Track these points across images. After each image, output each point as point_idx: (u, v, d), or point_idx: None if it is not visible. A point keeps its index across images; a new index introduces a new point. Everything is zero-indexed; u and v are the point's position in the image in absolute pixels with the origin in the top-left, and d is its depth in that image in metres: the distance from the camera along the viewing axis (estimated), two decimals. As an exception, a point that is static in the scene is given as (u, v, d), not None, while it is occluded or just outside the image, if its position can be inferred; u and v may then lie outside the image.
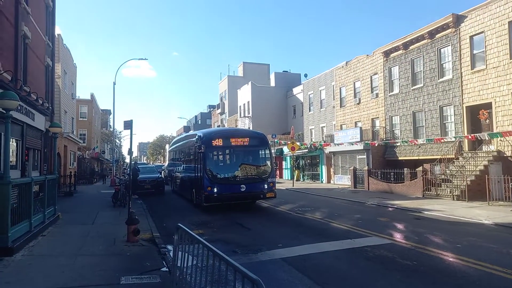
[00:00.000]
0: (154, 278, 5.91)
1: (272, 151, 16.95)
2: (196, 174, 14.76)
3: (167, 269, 6.38)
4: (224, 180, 13.73)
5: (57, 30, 26.32)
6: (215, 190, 13.28)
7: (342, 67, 29.67)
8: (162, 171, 33.96)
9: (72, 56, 31.40)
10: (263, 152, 15.04)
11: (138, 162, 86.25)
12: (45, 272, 6.17)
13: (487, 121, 17.97)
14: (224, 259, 3.35)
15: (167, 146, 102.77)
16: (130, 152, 14.02)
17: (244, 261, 6.91)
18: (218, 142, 14.16)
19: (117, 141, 62.03)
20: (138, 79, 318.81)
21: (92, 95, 47.53)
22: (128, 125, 11.28)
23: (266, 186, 14.09)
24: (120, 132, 64.20)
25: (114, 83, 32.76)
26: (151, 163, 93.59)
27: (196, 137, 15.40)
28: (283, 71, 50.03)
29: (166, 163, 65.10)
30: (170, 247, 7.80)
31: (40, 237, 8.90)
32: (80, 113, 42.99)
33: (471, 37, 18.58)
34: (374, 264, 6.86)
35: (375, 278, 6.10)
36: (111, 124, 53.58)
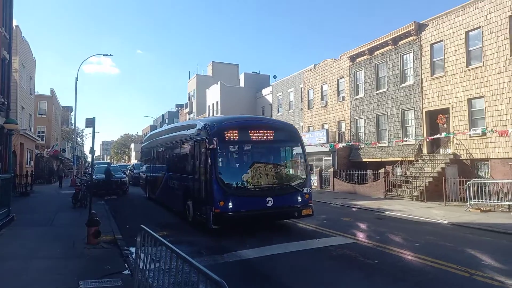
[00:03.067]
0: (115, 282, 5.71)
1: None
2: (196, 181, 10.47)
3: (129, 272, 6.18)
4: (244, 191, 9.42)
5: (15, 22, 24.95)
6: (230, 205, 9.00)
7: (310, 70, 30.18)
8: (129, 171, 32.97)
9: (32, 49, 29.85)
10: (294, 150, 11.10)
11: (101, 161, 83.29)
12: (-5, 277, 5.79)
13: (445, 125, 18.89)
14: (188, 261, 3.28)
15: (132, 145, 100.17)
16: (92, 151, 13.42)
17: (210, 263, 6.84)
18: (233, 134, 9.77)
19: (79, 139, 59.67)
20: (100, 76, 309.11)
21: (52, 91, 45.38)
22: (91, 123, 10.84)
23: (300, 199, 9.96)
24: (82, 130, 61.83)
25: (77, 79, 31.53)
26: (115, 162, 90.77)
27: (199, 127, 10.74)
28: (253, 72, 50.16)
29: (133, 162, 63.29)
30: (132, 250, 7.57)
31: (-9, 240, 8.36)
32: (39, 109, 40.90)
33: (431, 45, 19.48)
34: (338, 263, 7.00)
35: (339, 277, 6.23)
36: (73, 121, 51.45)
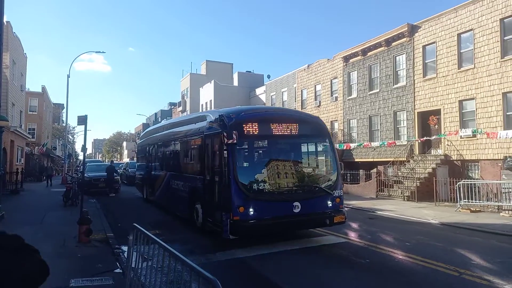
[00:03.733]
0: (107, 280, 5.68)
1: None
2: (208, 182, 9.07)
3: (120, 271, 6.15)
4: (267, 195, 8.01)
5: (6, 18, 24.60)
6: (252, 212, 7.63)
7: (304, 70, 30.25)
8: (123, 170, 32.09)
9: (23, 45, 29.47)
10: (322, 147, 9.60)
11: (93, 159, 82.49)
12: (-16, 275, 5.73)
13: (436, 126, 19.09)
14: (181, 259, 3.28)
15: (124, 144, 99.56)
16: (84, 148, 13.32)
17: (202, 261, 6.83)
18: (253, 128, 8.33)
19: (70, 137, 59.09)
20: (92, 74, 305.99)
21: (43, 88, 44.89)
22: (82, 120, 10.74)
23: (330, 204, 8.54)
24: (74, 127, 61.21)
25: (68, 76, 31.22)
26: (106, 160, 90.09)
27: (211, 119, 9.18)
28: (247, 71, 50.13)
29: (125, 161, 62.63)
30: (124, 248, 7.53)
31: (-20, 238, 8.25)
32: (30, 106, 40.40)
33: (423, 47, 19.65)
34: (330, 262, 7.05)
35: (331, 275, 6.27)
36: (64, 119, 50.94)
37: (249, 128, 8.29)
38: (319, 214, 8.38)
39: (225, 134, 7.86)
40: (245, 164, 8.47)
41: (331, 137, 9.45)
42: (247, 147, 8.75)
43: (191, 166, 10.84)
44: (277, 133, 8.62)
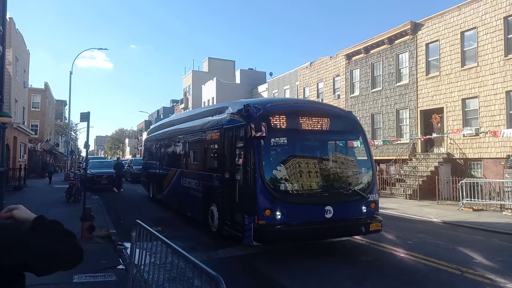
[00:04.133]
0: (110, 276, 5.72)
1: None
2: (226, 181, 8.16)
3: (123, 267, 6.19)
4: (296, 197, 7.21)
5: (9, 14, 24.62)
6: (279, 216, 6.74)
7: (307, 67, 30.19)
8: (127, 167, 32.05)
9: (26, 42, 29.53)
10: (355, 144, 8.78)
11: (96, 156, 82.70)
12: (-12, 271, 5.77)
13: (439, 124, 19.04)
14: (184, 255, 3.29)
15: (127, 140, 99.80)
16: (86, 145, 13.33)
17: (204, 258, 6.86)
18: (281, 121, 7.48)
19: (73, 133, 59.27)
20: (94, 71, 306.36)
21: (46, 84, 44.98)
22: (85, 117, 10.76)
23: (365, 209, 7.58)
24: (76, 124, 61.40)
25: (71, 73, 31.22)
26: (109, 157, 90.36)
27: (234, 110, 8.33)
28: (249, 68, 50.08)
29: (127, 157, 62.58)
30: (127, 244, 7.56)
31: (-16, 233, 8.31)
32: (33, 102, 40.53)
33: (427, 45, 19.57)
34: (331, 259, 7.06)
35: (332, 272, 6.28)
36: (67, 115, 51.07)
37: (276, 121, 7.38)
38: (353, 221, 7.46)
39: (252, 126, 6.85)
40: (271, 161, 7.49)
41: (364, 135, 8.58)
42: (274, 142, 7.77)
43: (206, 162, 9.95)
44: (307, 127, 7.72)
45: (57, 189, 19.97)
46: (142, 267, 4.39)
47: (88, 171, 15.51)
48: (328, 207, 7.07)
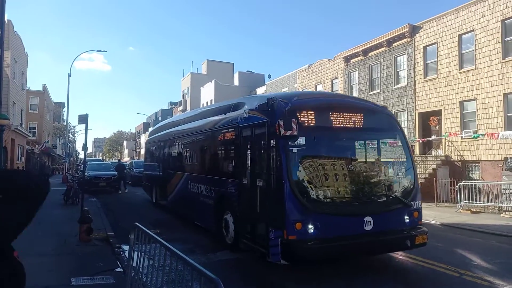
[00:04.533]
0: (107, 279, 5.69)
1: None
2: (245, 187, 7.20)
3: (121, 270, 6.16)
4: (330, 207, 6.17)
5: (7, 16, 24.60)
6: (312, 230, 5.76)
7: (305, 69, 30.25)
8: (127, 170, 31.99)
9: (24, 44, 29.50)
10: (393, 144, 7.81)
11: (94, 158, 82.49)
12: (-14, 274, 5.74)
13: (437, 127, 19.09)
14: (182, 258, 3.29)
15: (125, 143, 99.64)
16: (85, 147, 13.34)
17: (203, 261, 6.84)
18: (309, 117, 6.42)
19: (71, 135, 59.15)
20: (92, 73, 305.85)
21: (44, 86, 44.93)
22: (84, 119, 10.76)
23: (408, 219, 6.67)
24: (74, 126, 61.26)
25: (69, 75, 31.30)
26: (107, 160, 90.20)
27: (252, 106, 7.32)
28: (247, 70, 50.20)
29: (126, 159, 62.42)
30: (125, 247, 7.54)
31: (-19, 236, 8.27)
32: (31, 105, 40.46)
33: (425, 47, 19.64)
34: (331, 262, 7.04)
35: (330, 274, 6.27)
36: (65, 118, 50.99)
37: (306, 117, 6.31)
38: (396, 233, 6.45)
39: (281, 123, 5.83)
40: (301, 165, 6.30)
41: (402, 133, 7.61)
42: (303, 142, 6.40)
43: (218, 166, 8.89)
44: (341, 125, 6.67)
45: (54, 192, 19.88)
46: (140, 270, 4.38)
47: (86, 174, 15.45)
48: (368, 218, 6.12)
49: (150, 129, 21.87)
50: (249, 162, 7.21)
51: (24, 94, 31.79)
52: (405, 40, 20.60)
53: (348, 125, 6.74)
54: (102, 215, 11.93)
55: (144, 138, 75.62)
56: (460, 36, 17.75)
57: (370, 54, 23.16)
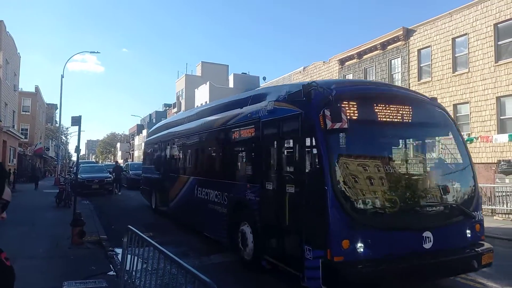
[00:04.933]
0: (100, 283, 5.61)
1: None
2: (269, 193, 6.12)
3: (114, 273, 6.09)
4: (384, 219, 4.96)
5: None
6: (361, 249, 4.57)
7: (300, 72, 30.31)
8: (123, 172, 31.59)
9: (16, 45, 29.24)
10: (448, 142, 6.26)
11: (87, 160, 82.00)
12: (-25, 278, 5.63)
13: (431, 130, 19.19)
14: (175, 261, 3.24)
15: (118, 145, 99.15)
16: (77, 149, 13.19)
17: (196, 264, 6.78)
18: (351, 109, 5.16)
19: (63, 137, 58.70)
20: (85, 74, 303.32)
21: (36, 88, 44.58)
22: (77, 121, 10.65)
23: (469, 234, 5.48)
24: (67, 128, 60.80)
25: (62, 76, 31.04)
26: (100, 162, 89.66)
27: (282, 95, 6.15)
28: (242, 73, 50.23)
29: (121, 162, 62.11)
30: (118, 250, 7.46)
31: (-29, 239, 8.14)
32: (23, 106, 40.09)
33: (419, 51, 19.79)
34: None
35: None
36: (57, 119, 50.60)
37: (351, 108, 5.13)
38: (459, 252, 5.25)
39: (326, 113, 4.73)
40: (345, 167, 5.00)
41: (457, 129, 6.25)
42: (348, 139, 5.19)
43: (234, 168, 7.83)
44: (385, 118, 5.47)
45: (47, 194, 19.69)
46: (133, 273, 4.32)
47: (79, 176, 15.28)
48: (427, 233, 4.97)
49: (149, 130, 21.40)
50: (274, 163, 6.18)
51: (16, 96, 31.51)
52: (400, 43, 20.74)
53: (396, 119, 5.56)
54: (95, 218, 11.81)
55: (137, 140, 75.28)
56: (453, 39, 17.91)
57: (365, 57, 23.27)
